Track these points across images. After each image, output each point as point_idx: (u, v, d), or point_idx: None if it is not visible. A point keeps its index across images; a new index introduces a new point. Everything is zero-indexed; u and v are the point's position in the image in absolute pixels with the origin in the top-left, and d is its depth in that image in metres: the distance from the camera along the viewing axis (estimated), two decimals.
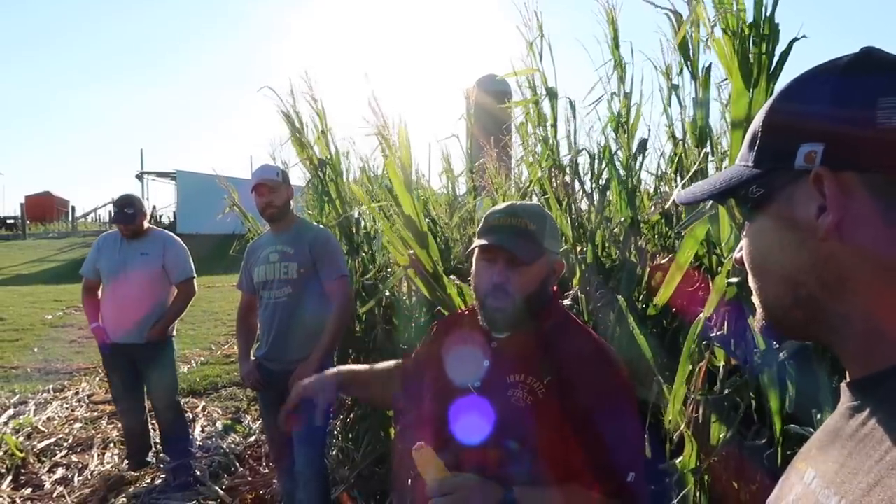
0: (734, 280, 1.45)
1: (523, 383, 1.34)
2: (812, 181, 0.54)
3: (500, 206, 1.47)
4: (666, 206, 2.55)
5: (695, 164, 2.29)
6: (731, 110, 1.51)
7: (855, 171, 0.53)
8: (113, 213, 3.91)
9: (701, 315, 1.51)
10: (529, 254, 1.35)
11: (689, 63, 1.86)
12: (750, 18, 1.48)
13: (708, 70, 1.80)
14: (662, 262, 2.35)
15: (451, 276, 2.51)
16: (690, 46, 1.98)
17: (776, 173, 0.59)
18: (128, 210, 3.83)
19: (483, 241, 1.38)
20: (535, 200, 3.23)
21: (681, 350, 2.39)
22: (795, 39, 1.44)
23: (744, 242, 0.66)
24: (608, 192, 2.69)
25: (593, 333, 1.47)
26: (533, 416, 1.30)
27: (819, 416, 1.47)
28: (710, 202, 1.75)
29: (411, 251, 2.42)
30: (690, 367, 1.48)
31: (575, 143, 2.64)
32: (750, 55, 1.45)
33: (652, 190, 2.98)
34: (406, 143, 2.48)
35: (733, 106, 1.50)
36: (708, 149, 1.86)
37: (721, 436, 1.59)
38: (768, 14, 1.45)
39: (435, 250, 2.42)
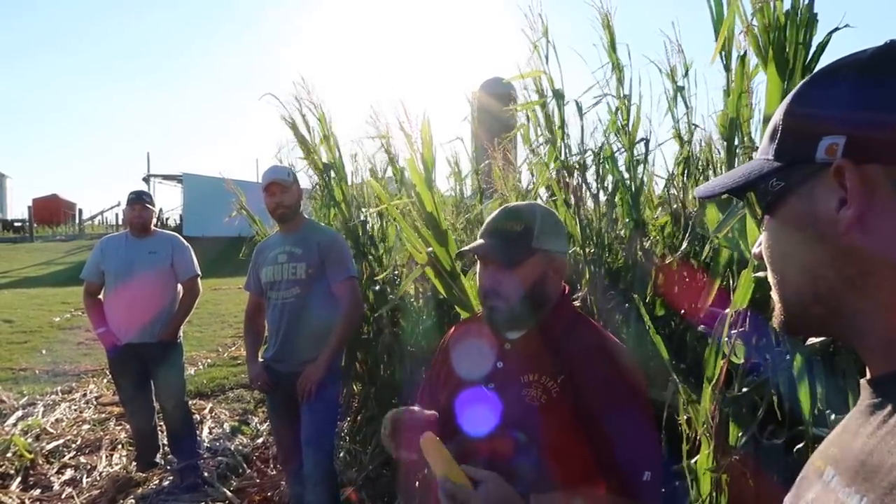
0: (761, 274, 1.44)
1: (537, 382, 1.34)
2: (833, 174, 0.54)
3: (499, 209, 1.48)
4: (674, 207, 2.56)
5: (711, 158, 2.28)
6: (765, 102, 1.49)
7: (878, 165, 0.52)
8: (130, 200, 3.90)
9: (728, 310, 1.49)
10: (511, 257, 1.37)
11: (722, 54, 1.84)
12: (787, 6, 1.46)
13: (742, 60, 1.78)
14: (670, 263, 2.36)
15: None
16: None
17: (797, 167, 0.58)
18: (145, 196, 3.94)
19: (471, 246, 1.41)
20: (540, 202, 3.23)
21: (688, 350, 2.40)
22: (836, 29, 1.42)
23: (763, 237, 0.66)
24: (615, 195, 2.68)
25: (604, 331, 1.47)
26: (547, 414, 1.31)
27: (833, 417, 1.46)
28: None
29: (430, 249, 2.41)
30: (720, 364, 1.46)
31: (582, 144, 2.64)
32: (786, 45, 1.43)
33: (660, 192, 2.98)
34: (429, 140, 2.47)
35: (767, 98, 1.48)
36: (737, 141, 1.84)
37: (739, 435, 1.58)
38: (806, 2, 1.43)
39: (454, 248, 2.42)
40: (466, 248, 1.41)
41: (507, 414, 1.35)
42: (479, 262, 1.46)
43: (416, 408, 1.46)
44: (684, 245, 2.20)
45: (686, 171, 2.57)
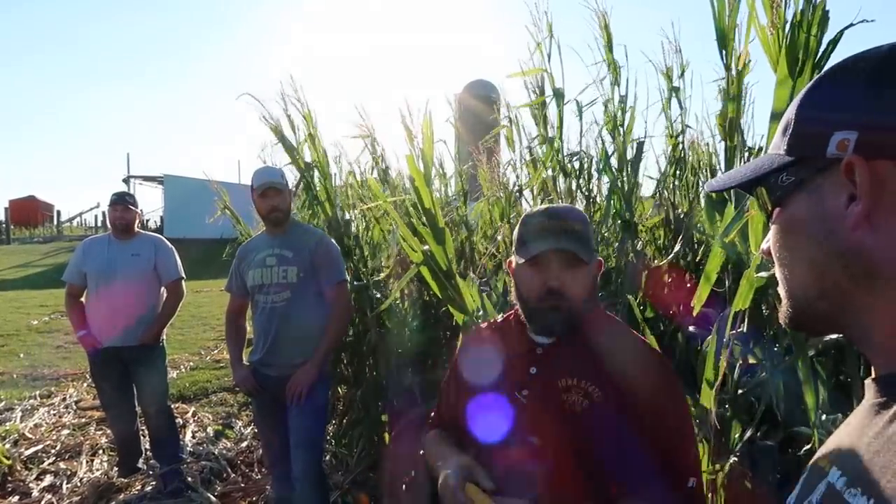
0: (763, 274, 1.44)
1: (577, 387, 1.30)
2: (843, 170, 0.53)
3: (538, 209, 1.42)
4: (664, 209, 2.56)
5: (705, 159, 2.28)
6: (773, 100, 1.49)
7: (888, 161, 0.51)
8: (113, 201, 3.84)
9: (728, 311, 1.50)
10: (586, 253, 1.32)
11: (724, 53, 1.84)
12: (801, 4, 1.46)
13: (745, 60, 1.77)
14: (661, 264, 2.36)
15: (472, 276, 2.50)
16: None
17: (808, 162, 0.58)
18: (128, 197, 3.89)
19: (544, 246, 1.33)
20: (528, 203, 3.23)
21: (676, 352, 2.40)
22: (850, 25, 1.42)
23: (771, 231, 0.65)
24: (610, 195, 2.68)
25: (638, 335, 1.44)
26: (588, 419, 1.26)
27: (824, 417, 1.47)
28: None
29: (426, 247, 2.39)
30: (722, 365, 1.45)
31: (580, 144, 2.64)
32: (797, 43, 1.43)
33: (651, 193, 2.98)
34: (430, 136, 2.45)
35: (775, 96, 1.49)
36: (738, 142, 1.84)
37: (736, 436, 1.58)
38: (818, 1, 1.44)
39: (451, 247, 2.39)
40: (545, 247, 1.32)
41: (544, 420, 1.30)
42: (524, 266, 1.38)
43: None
44: (677, 247, 2.20)
45: (677, 172, 2.58)
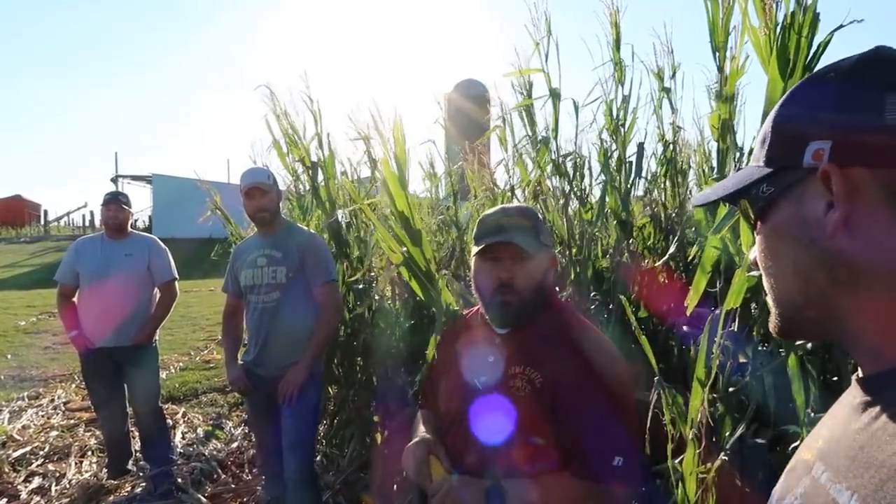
0: (755, 273, 1.46)
1: (522, 374, 1.39)
2: (820, 178, 0.55)
3: (492, 210, 1.53)
4: (655, 209, 2.58)
5: (691, 162, 2.29)
6: (765, 102, 1.51)
7: (863, 168, 0.53)
8: (106, 200, 3.84)
9: (719, 310, 1.51)
10: (533, 247, 1.41)
11: (716, 55, 1.85)
12: (792, 6, 1.47)
13: (734, 61, 1.78)
14: (654, 265, 2.37)
15: (444, 271, 2.52)
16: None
17: (786, 172, 0.60)
18: (122, 197, 3.89)
19: (491, 240, 1.42)
20: (521, 202, 3.23)
21: (669, 352, 2.42)
22: (841, 26, 1.43)
23: (756, 242, 0.67)
24: (604, 195, 2.69)
25: (589, 324, 1.52)
26: (528, 405, 1.35)
27: (813, 416, 1.48)
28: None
29: (404, 248, 2.40)
30: (711, 365, 1.47)
31: (576, 145, 2.64)
32: (788, 45, 1.44)
33: (642, 193, 2.99)
34: (402, 139, 2.47)
35: (767, 98, 1.50)
36: (730, 143, 1.85)
37: (727, 434, 1.59)
38: (808, 3, 1.45)
39: (428, 248, 2.41)
40: (492, 240, 1.43)
41: (497, 410, 1.38)
42: (480, 260, 1.49)
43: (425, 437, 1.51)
44: (672, 249, 2.21)
45: (668, 173, 2.59)
